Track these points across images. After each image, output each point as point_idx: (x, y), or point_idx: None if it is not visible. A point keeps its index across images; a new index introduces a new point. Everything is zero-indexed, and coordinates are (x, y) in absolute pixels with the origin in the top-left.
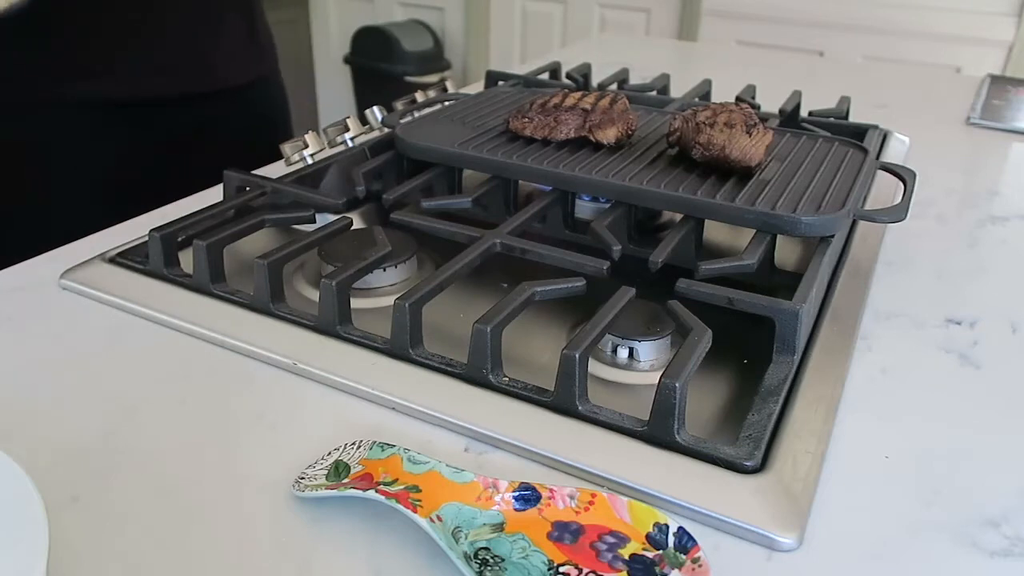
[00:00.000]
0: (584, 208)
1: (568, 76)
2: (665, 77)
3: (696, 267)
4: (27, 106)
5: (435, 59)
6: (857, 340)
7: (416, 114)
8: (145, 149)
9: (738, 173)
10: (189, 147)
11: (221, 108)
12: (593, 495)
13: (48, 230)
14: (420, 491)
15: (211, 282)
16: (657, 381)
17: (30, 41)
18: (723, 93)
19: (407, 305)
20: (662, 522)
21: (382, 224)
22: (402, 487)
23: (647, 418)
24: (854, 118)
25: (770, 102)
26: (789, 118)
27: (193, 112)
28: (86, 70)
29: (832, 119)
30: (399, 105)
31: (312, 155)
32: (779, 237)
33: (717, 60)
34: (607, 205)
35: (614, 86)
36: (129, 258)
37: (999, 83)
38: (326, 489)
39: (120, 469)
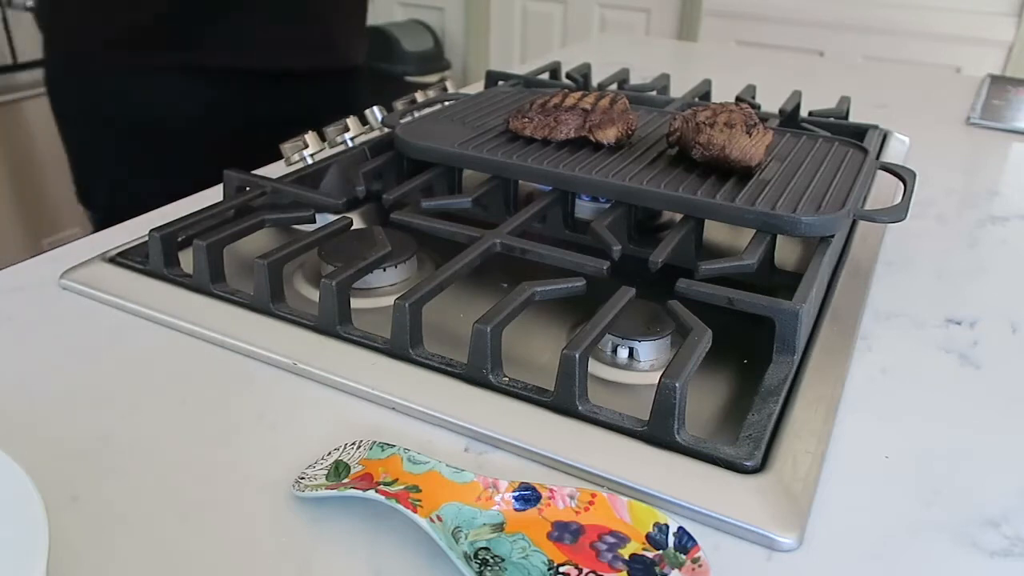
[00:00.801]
0: (584, 208)
1: (568, 76)
2: (665, 77)
3: (696, 267)
4: (156, 70)
5: (435, 59)
6: (857, 340)
7: (416, 114)
8: (255, 119)
9: (738, 173)
10: (293, 123)
11: (327, 88)
12: (593, 495)
13: (163, 187)
14: (420, 491)
15: (211, 282)
16: (657, 381)
17: (164, 10)
18: (723, 93)
19: (407, 305)
20: (662, 522)
21: (382, 224)
22: (402, 487)
23: (647, 418)
24: (854, 118)
25: (770, 102)
26: (789, 118)
27: (300, 90)
28: (219, 41)
29: (832, 119)
30: (399, 105)
31: (312, 155)
32: (779, 237)
33: (717, 60)
34: (607, 205)
35: (614, 86)
36: (129, 258)
37: (999, 83)
38: (326, 489)
39: (120, 469)
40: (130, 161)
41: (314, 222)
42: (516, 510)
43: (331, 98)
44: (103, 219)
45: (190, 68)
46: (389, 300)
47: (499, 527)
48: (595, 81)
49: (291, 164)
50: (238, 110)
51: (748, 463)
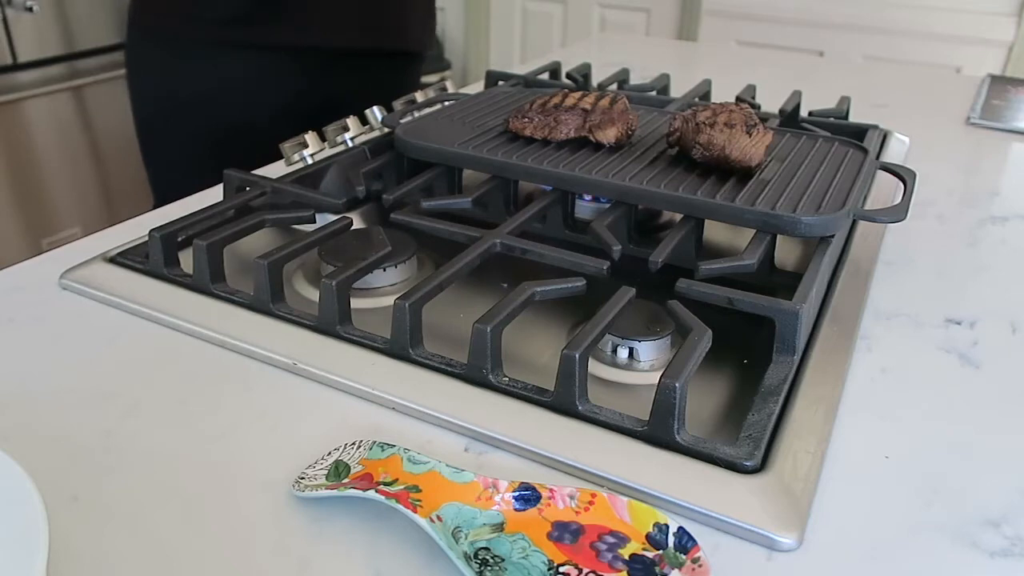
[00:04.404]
0: (584, 208)
1: (568, 76)
2: (665, 77)
3: (696, 267)
4: (237, 47)
5: (435, 59)
6: (857, 340)
7: (416, 114)
8: (315, 96)
9: (738, 173)
10: (353, 100)
11: (388, 71)
12: (593, 495)
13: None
14: (420, 491)
15: (211, 282)
16: (657, 381)
17: None
18: (723, 93)
19: (407, 305)
20: (662, 522)
21: (382, 224)
22: (402, 487)
23: (647, 418)
24: (854, 118)
25: (770, 102)
26: (789, 118)
27: (362, 69)
28: (294, 18)
29: (832, 119)
30: (399, 105)
31: (312, 155)
32: (779, 237)
33: (717, 60)
34: (607, 205)
35: (614, 86)
36: (129, 258)
37: (999, 83)
38: (326, 489)
39: (120, 469)
40: (200, 138)
41: (314, 222)
42: (516, 510)
43: (394, 81)
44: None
45: (269, 46)
46: (389, 300)
47: (499, 527)
48: (595, 81)
49: (291, 164)
50: (308, 89)
51: (748, 463)
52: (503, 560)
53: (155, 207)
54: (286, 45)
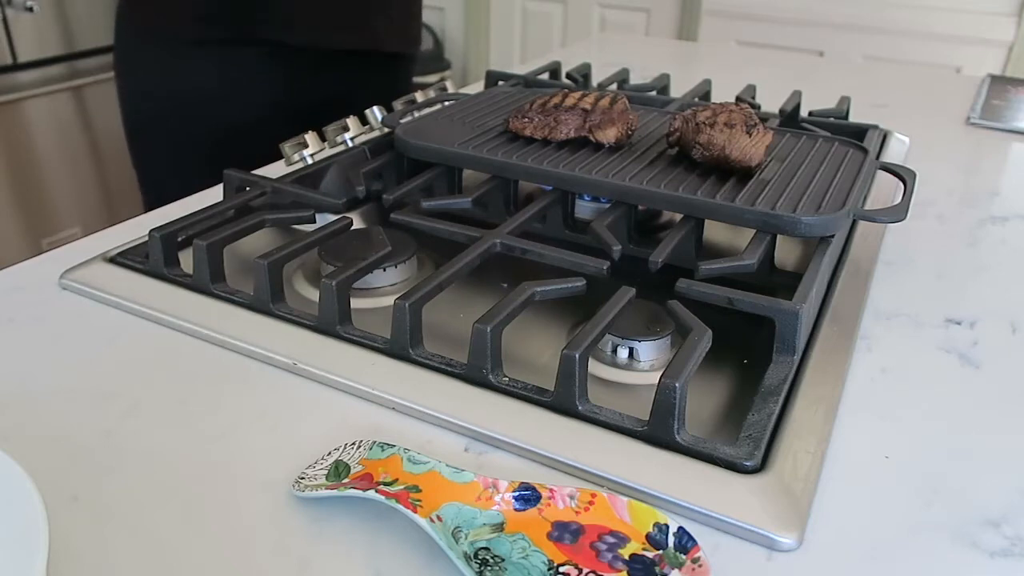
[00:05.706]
0: (584, 208)
1: (568, 76)
2: (665, 77)
3: (696, 267)
4: (218, 44)
5: (435, 59)
6: (857, 340)
7: (416, 114)
8: (301, 95)
9: (738, 173)
10: (340, 101)
11: (374, 72)
12: (593, 495)
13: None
14: (420, 491)
15: (211, 282)
16: (657, 381)
17: None
18: (723, 93)
19: (407, 305)
20: (662, 522)
21: (382, 224)
22: (402, 487)
23: (647, 418)
24: (854, 118)
25: (770, 102)
26: (789, 118)
27: (348, 69)
28: (277, 16)
29: (832, 119)
30: (399, 105)
31: (312, 155)
32: (779, 237)
33: (717, 60)
34: (607, 205)
35: (614, 86)
36: (129, 258)
37: (999, 83)
38: (326, 489)
39: (120, 468)
40: (191, 137)
41: (314, 222)
42: (516, 510)
43: (382, 83)
44: (158, 202)
45: (258, 43)
46: (389, 300)
47: (499, 527)
48: (595, 81)
49: (291, 164)
50: (294, 91)
51: (748, 463)
52: (503, 560)
53: (145, 207)
54: (268, 43)
